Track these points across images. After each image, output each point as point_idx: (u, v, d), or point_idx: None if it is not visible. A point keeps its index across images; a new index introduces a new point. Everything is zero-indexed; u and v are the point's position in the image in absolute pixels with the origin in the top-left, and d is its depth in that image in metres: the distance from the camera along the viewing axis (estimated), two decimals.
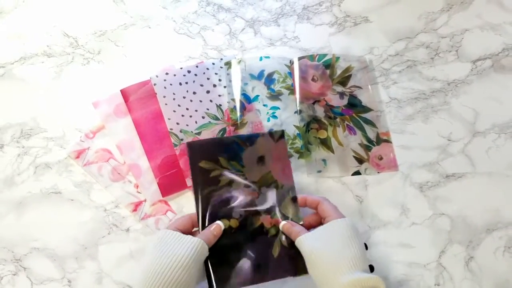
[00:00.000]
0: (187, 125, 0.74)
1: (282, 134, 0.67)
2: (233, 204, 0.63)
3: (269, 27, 0.83)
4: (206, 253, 0.57)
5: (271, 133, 0.67)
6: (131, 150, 0.73)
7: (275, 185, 0.65)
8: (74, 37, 0.82)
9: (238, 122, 0.74)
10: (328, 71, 0.79)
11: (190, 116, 0.74)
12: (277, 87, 0.78)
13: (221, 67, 0.79)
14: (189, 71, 0.77)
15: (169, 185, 0.71)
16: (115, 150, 0.73)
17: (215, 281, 0.59)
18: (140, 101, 0.75)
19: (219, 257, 0.60)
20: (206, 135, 0.73)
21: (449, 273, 0.67)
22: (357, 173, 0.73)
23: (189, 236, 0.56)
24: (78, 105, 0.76)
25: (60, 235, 0.69)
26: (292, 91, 0.77)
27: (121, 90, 0.75)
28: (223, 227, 0.61)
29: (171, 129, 0.73)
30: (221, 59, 0.80)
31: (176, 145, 0.72)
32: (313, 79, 0.78)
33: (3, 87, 0.78)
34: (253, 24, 0.84)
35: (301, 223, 0.62)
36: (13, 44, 0.81)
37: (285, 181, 0.65)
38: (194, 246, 0.54)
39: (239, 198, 0.64)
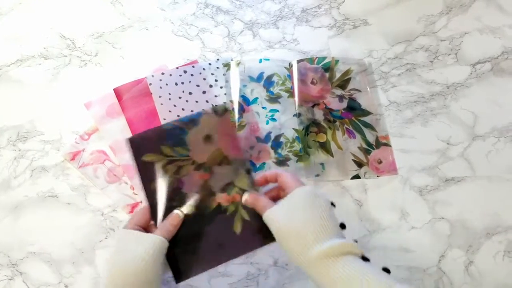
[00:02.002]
0: None
1: (225, 109, 0.66)
2: (185, 191, 0.62)
3: (267, 30, 0.83)
4: (166, 247, 0.57)
5: (214, 109, 0.66)
6: (124, 151, 0.72)
7: (227, 162, 0.64)
8: (71, 39, 0.81)
9: (237, 124, 0.73)
10: (327, 74, 0.78)
11: None
12: (276, 89, 0.77)
13: (217, 68, 0.78)
14: (185, 71, 0.77)
15: None
16: (110, 151, 0.73)
17: (181, 269, 0.59)
18: (133, 99, 0.75)
19: (181, 246, 0.60)
20: None
21: (448, 277, 0.67)
22: (356, 177, 0.73)
23: (148, 234, 0.56)
24: (75, 107, 0.75)
25: (56, 239, 0.68)
26: (291, 94, 0.77)
27: (114, 89, 0.75)
28: (182, 215, 0.60)
29: None
30: (218, 59, 0.79)
31: None
32: (312, 82, 0.77)
33: (0, 90, 0.77)
34: (251, 26, 0.83)
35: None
36: (9, 46, 0.80)
37: (236, 155, 0.64)
38: (154, 244, 0.55)
39: (191, 183, 0.62)
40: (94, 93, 0.76)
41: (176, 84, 0.76)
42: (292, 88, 0.77)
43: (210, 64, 0.78)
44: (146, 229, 0.59)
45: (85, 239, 0.68)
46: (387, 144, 0.75)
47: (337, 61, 0.79)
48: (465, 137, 0.76)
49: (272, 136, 0.74)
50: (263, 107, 0.76)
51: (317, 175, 0.72)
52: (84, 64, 0.79)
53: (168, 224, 0.59)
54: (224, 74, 0.78)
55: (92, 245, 0.68)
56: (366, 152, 0.74)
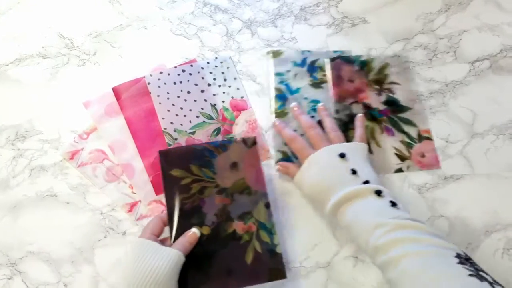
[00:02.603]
0: (181, 124, 0.73)
1: (254, 141, 0.68)
2: (205, 211, 0.64)
3: (266, 28, 0.83)
4: (183, 263, 0.57)
5: (244, 140, 0.68)
6: (123, 150, 0.72)
7: (248, 192, 0.66)
8: (70, 38, 0.81)
9: (278, 111, 0.76)
10: (364, 71, 0.79)
11: (184, 116, 0.74)
12: (319, 75, 0.78)
13: (215, 66, 0.78)
14: (183, 70, 0.77)
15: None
16: (109, 150, 0.73)
17: (189, 284, 0.59)
18: (132, 99, 0.75)
19: (192, 264, 0.60)
20: (200, 134, 0.73)
21: None
22: (399, 170, 0.73)
23: (167, 248, 0.57)
24: (73, 107, 0.75)
25: (55, 238, 0.68)
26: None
27: (113, 88, 0.75)
28: (198, 235, 0.61)
29: (165, 128, 0.73)
30: (216, 57, 0.80)
31: (170, 145, 0.72)
32: (349, 80, 0.77)
33: None
34: (250, 25, 0.83)
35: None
36: (8, 45, 0.80)
37: (258, 187, 0.66)
38: (172, 259, 0.55)
39: (211, 205, 0.64)
40: (92, 92, 0.76)
41: (175, 83, 0.76)
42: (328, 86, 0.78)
43: (208, 62, 0.78)
44: (158, 237, 0.60)
45: (84, 238, 0.68)
46: (429, 138, 0.75)
47: (372, 58, 0.80)
48: (464, 135, 0.76)
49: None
50: (304, 98, 0.77)
51: None
52: (82, 64, 0.79)
53: (185, 241, 0.60)
54: (222, 73, 0.78)
55: (91, 244, 0.68)
56: (408, 146, 0.74)
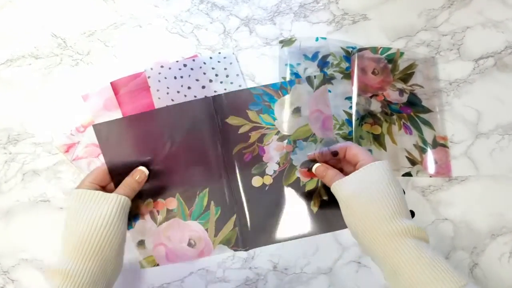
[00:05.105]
0: None
1: (323, 80, 0.63)
2: (266, 160, 0.60)
3: (264, 26, 0.81)
4: (129, 205, 0.54)
5: (309, 79, 0.63)
6: None
7: (313, 139, 0.62)
8: (63, 37, 0.79)
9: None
10: (390, 66, 0.77)
11: None
12: (330, 70, 0.76)
13: (218, 62, 0.76)
14: (185, 65, 0.75)
15: None
16: None
17: (251, 237, 0.58)
18: (130, 94, 0.73)
19: (256, 215, 0.58)
20: None
21: None
22: (408, 174, 0.71)
23: (111, 194, 0.53)
24: (67, 108, 0.73)
25: (49, 245, 0.66)
26: (345, 75, 0.76)
27: (111, 83, 0.73)
28: (147, 172, 0.57)
29: None
30: (219, 52, 0.78)
31: None
32: (373, 72, 0.76)
33: None
34: (248, 22, 0.81)
35: None
36: None
37: (324, 134, 0.62)
38: (118, 204, 0.52)
39: (272, 153, 0.61)
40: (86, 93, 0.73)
41: (175, 78, 0.74)
42: (347, 69, 0.76)
43: (211, 57, 0.76)
44: (104, 188, 0.56)
45: None
46: (444, 145, 0.73)
47: (402, 54, 0.77)
48: (469, 135, 0.74)
49: None
50: None
51: None
52: (76, 64, 0.77)
53: (134, 181, 0.56)
54: (225, 69, 0.76)
55: None
56: (422, 150, 0.72)
